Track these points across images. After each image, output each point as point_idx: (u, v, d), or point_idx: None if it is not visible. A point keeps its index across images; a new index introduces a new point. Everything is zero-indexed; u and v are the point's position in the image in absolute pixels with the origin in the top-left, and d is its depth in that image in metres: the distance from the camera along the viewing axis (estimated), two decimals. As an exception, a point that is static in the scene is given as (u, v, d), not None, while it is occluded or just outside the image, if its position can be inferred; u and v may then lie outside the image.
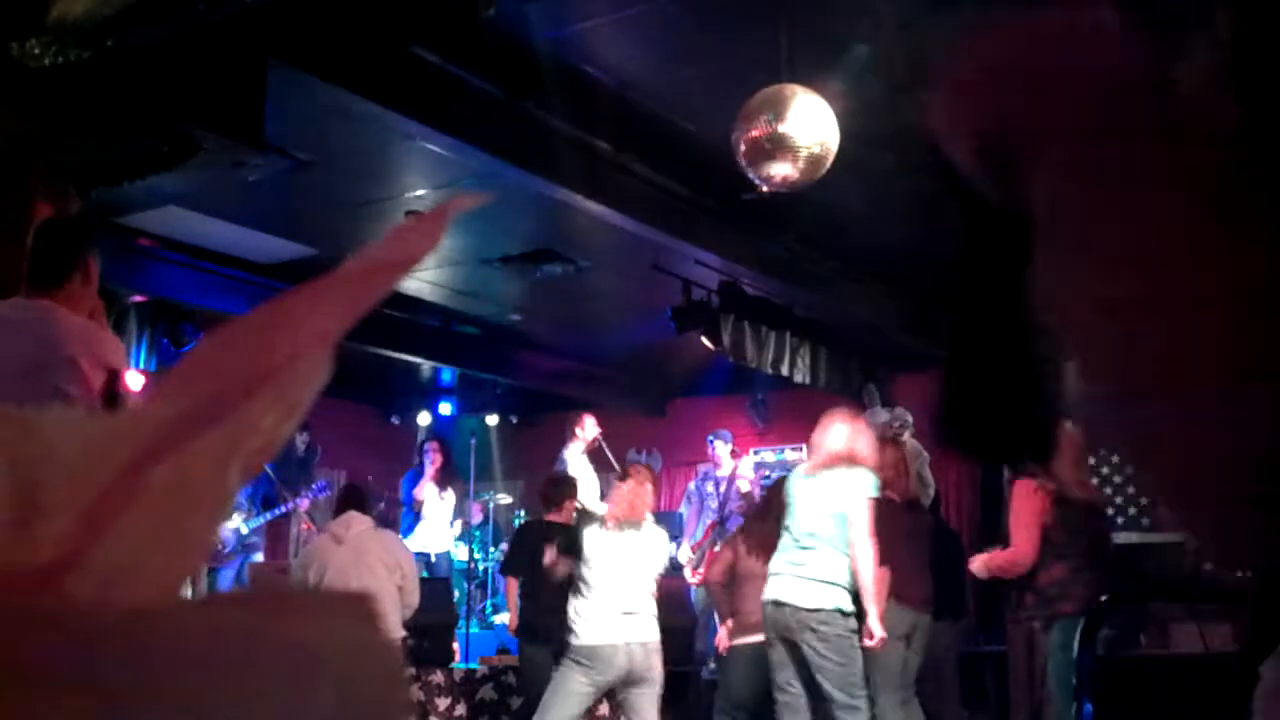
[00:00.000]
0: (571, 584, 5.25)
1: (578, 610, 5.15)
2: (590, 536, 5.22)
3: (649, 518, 5.38)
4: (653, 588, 5.29)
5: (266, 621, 0.39)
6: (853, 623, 4.85)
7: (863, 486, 4.87)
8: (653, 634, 5.20)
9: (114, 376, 2.86)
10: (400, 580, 5.80)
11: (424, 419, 11.51)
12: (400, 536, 6.83)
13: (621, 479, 5.40)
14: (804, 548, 4.90)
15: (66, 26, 3.69)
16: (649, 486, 5.39)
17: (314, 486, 8.74)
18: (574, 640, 5.13)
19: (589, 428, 8.84)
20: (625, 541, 5.20)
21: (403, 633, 5.89)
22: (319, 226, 6.98)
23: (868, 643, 4.91)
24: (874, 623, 4.90)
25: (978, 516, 9.15)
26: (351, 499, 6.04)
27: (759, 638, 5.26)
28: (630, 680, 5.16)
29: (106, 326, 3.30)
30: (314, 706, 0.39)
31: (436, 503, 9.30)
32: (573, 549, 5.29)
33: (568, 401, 10.44)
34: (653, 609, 5.25)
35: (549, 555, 5.59)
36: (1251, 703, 0.60)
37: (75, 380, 2.78)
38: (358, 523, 5.78)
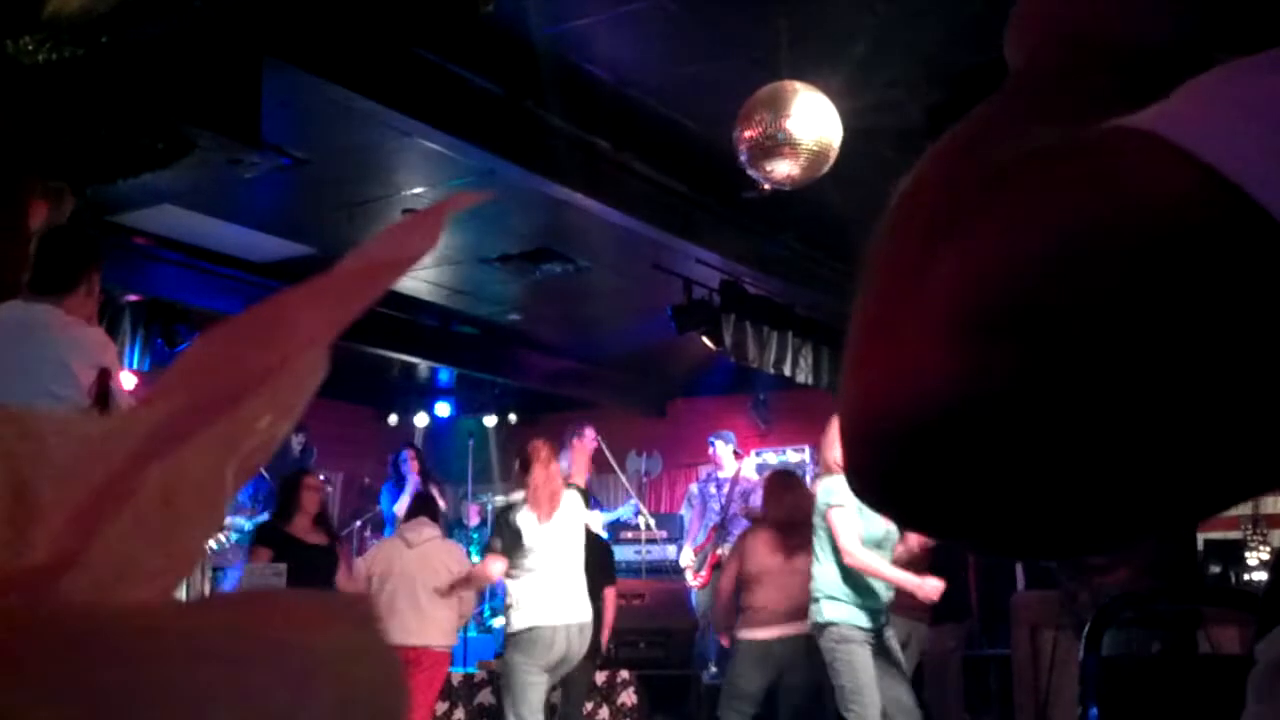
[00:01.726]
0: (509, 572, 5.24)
1: (515, 595, 5.16)
2: (522, 524, 5.19)
3: (565, 494, 5.30)
4: (583, 556, 5.27)
5: (264, 623, 0.39)
6: (837, 632, 4.77)
7: (826, 496, 4.84)
8: (586, 614, 5.22)
9: (105, 376, 2.86)
10: None
11: (396, 420, 11.45)
12: (462, 547, 6.96)
13: (524, 469, 5.26)
14: (818, 566, 4.89)
15: (61, 23, 3.68)
16: (554, 465, 5.30)
17: None
18: (510, 626, 5.15)
19: (588, 440, 8.80)
20: (554, 526, 5.21)
21: (456, 640, 5.99)
22: (316, 225, 6.97)
23: (929, 589, 4.88)
24: (912, 583, 4.86)
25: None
26: (423, 507, 6.25)
27: (766, 633, 5.24)
28: (566, 663, 5.20)
29: (98, 327, 3.30)
30: (312, 709, 0.38)
31: None
32: (514, 543, 5.22)
33: (567, 401, 10.44)
34: (584, 586, 5.25)
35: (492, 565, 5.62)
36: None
37: (66, 382, 2.78)
38: (428, 529, 6.01)
